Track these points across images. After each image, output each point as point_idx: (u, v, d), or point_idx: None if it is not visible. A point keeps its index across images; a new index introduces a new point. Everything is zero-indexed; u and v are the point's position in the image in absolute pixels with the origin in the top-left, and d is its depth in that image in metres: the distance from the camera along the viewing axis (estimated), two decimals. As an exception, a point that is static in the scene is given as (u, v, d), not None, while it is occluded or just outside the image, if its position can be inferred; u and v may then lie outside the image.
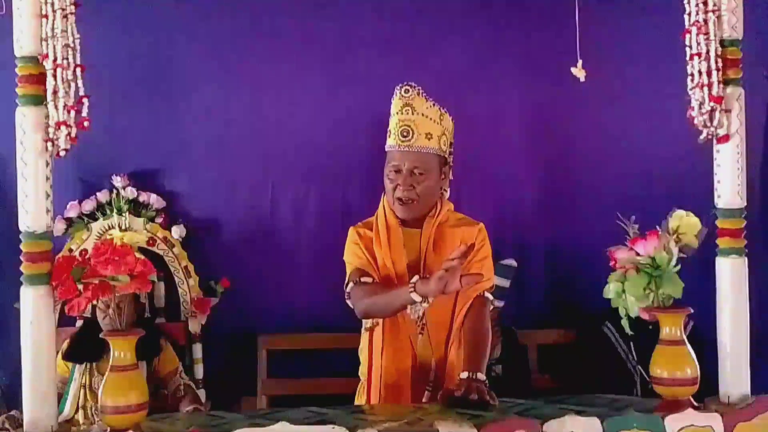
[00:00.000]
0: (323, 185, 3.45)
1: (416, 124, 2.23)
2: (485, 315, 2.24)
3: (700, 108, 1.90)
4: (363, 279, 2.23)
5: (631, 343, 3.05)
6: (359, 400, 2.34)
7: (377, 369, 2.27)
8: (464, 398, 1.93)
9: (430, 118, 2.26)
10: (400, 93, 2.28)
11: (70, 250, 3.10)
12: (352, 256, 2.30)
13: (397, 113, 2.27)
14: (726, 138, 1.92)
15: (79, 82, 1.75)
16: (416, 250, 2.27)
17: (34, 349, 1.72)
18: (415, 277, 2.06)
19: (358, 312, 2.24)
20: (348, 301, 2.25)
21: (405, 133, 2.23)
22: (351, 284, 2.24)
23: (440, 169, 2.28)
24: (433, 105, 2.27)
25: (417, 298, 2.02)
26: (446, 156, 2.31)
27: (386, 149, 2.30)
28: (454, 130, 2.34)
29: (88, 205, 3.29)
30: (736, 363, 1.93)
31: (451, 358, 2.22)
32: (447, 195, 2.37)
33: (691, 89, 1.92)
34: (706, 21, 1.89)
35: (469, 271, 2.24)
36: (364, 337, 2.34)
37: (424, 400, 2.22)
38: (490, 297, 2.28)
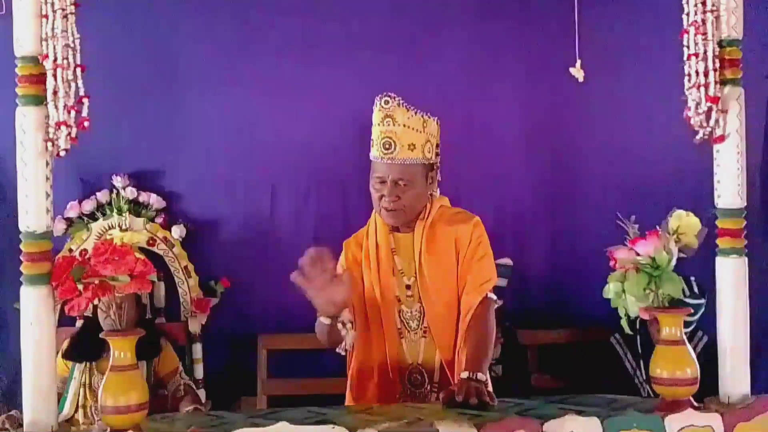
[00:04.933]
0: (323, 185, 3.45)
1: (398, 135, 2.21)
2: (489, 315, 2.23)
3: (696, 108, 1.90)
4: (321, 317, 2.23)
5: (641, 361, 3.02)
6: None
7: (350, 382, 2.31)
8: (464, 402, 1.93)
9: (413, 128, 2.22)
10: (380, 104, 2.26)
11: (70, 250, 3.10)
12: None
13: (378, 124, 2.25)
14: (722, 138, 1.92)
15: (79, 82, 1.75)
16: (410, 254, 2.27)
17: (34, 349, 1.72)
18: None
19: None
20: None
21: (387, 146, 2.21)
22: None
23: (426, 176, 2.26)
24: (415, 113, 2.23)
25: (325, 320, 2.07)
26: (432, 162, 2.28)
27: (370, 158, 2.29)
28: (440, 132, 2.31)
29: (88, 205, 3.29)
30: (736, 363, 1.93)
31: (459, 360, 2.21)
32: (437, 195, 2.36)
33: (688, 89, 1.92)
34: (704, 21, 1.89)
35: (469, 268, 2.24)
36: None
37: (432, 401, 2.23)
38: (494, 297, 2.27)
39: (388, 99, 2.25)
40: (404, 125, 2.22)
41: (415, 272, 2.25)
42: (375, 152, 2.25)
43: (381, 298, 2.25)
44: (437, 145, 2.31)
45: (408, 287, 2.27)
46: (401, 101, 2.25)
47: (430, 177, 2.29)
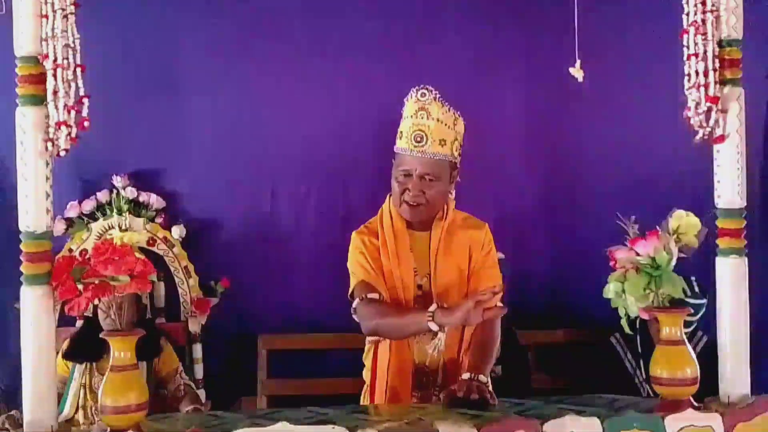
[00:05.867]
0: (323, 185, 3.45)
1: (431, 129, 2.18)
2: (496, 322, 2.24)
3: (696, 108, 1.90)
4: (370, 295, 2.18)
5: (641, 361, 3.02)
6: (364, 401, 2.35)
7: (382, 378, 2.26)
8: (465, 399, 1.93)
9: (445, 124, 2.21)
10: (416, 96, 2.23)
11: (70, 250, 3.10)
12: (357, 266, 2.25)
13: (411, 116, 2.21)
14: (721, 138, 1.92)
15: (79, 82, 1.75)
16: (425, 254, 2.26)
17: (34, 349, 1.72)
18: (433, 306, 2.02)
19: (365, 329, 2.19)
20: (354, 316, 2.21)
21: (419, 138, 2.18)
22: (357, 300, 2.20)
23: (450, 174, 2.25)
24: (449, 110, 2.22)
25: (435, 327, 2.00)
26: (457, 161, 2.27)
27: (396, 150, 2.26)
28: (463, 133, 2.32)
29: (88, 205, 3.29)
30: (736, 363, 1.93)
31: (463, 364, 2.22)
32: (453, 196, 2.36)
33: (687, 89, 1.92)
34: (704, 21, 1.89)
35: (480, 276, 2.24)
36: (370, 347, 2.33)
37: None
38: (501, 305, 2.26)
39: (425, 92, 2.22)
40: (437, 120, 2.20)
41: (429, 272, 2.25)
42: (403, 144, 2.22)
43: (402, 296, 2.23)
44: (461, 146, 2.29)
45: (419, 287, 2.26)
46: (437, 95, 2.23)
47: (453, 176, 2.27)
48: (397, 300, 2.22)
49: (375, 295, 2.18)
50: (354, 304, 2.21)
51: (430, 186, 2.20)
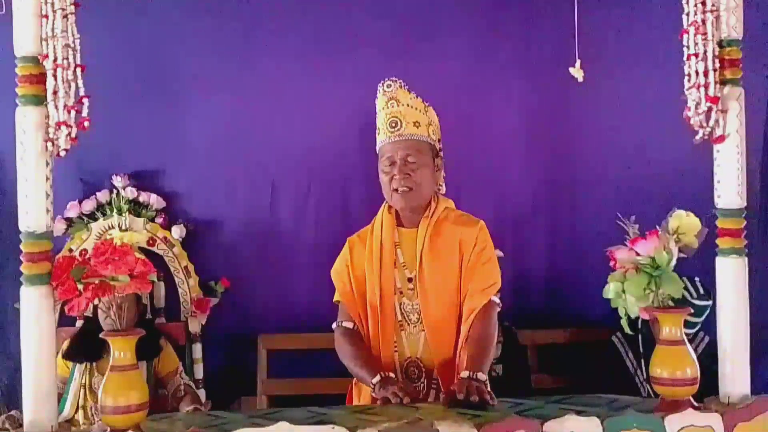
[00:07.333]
0: (323, 184, 3.45)
1: (403, 114, 2.29)
2: (492, 318, 2.25)
3: (696, 108, 1.90)
4: (345, 324, 2.32)
5: (642, 360, 3.02)
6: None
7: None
8: (465, 400, 1.93)
9: (416, 108, 2.31)
10: (383, 89, 2.35)
11: (70, 250, 3.10)
12: (337, 279, 2.36)
13: (383, 108, 2.33)
14: (721, 138, 1.92)
15: (79, 82, 1.75)
16: (413, 249, 2.28)
17: (34, 349, 1.72)
18: (377, 377, 2.12)
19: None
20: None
21: (393, 124, 2.29)
22: (335, 323, 2.35)
23: (433, 158, 2.31)
24: (416, 97, 2.34)
25: (375, 395, 2.11)
26: (436, 146, 2.33)
27: (377, 147, 2.35)
28: (440, 126, 2.37)
29: (88, 205, 3.29)
30: (736, 363, 1.93)
31: (461, 360, 2.22)
32: (443, 190, 2.38)
33: (687, 89, 1.92)
34: (704, 21, 1.89)
35: (474, 274, 2.25)
36: None
37: (430, 399, 2.24)
38: (498, 300, 2.28)
39: (390, 83, 2.35)
40: (408, 105, 2.31)
41: (417, 267, 2.26)
42: (382, 136, 2.33)
43: (381, 289, 2.26)
44: (439, 139, 2.36)
45: (410, 280, 2.29)
46: (402, 83, 2.35)
47: (437, 164, 2.33)
48: (373, 306, 2.28)
49: (349, 324, 2.32)
50: (333, 325, 2.36)
51: (414, 168, 2.26)
